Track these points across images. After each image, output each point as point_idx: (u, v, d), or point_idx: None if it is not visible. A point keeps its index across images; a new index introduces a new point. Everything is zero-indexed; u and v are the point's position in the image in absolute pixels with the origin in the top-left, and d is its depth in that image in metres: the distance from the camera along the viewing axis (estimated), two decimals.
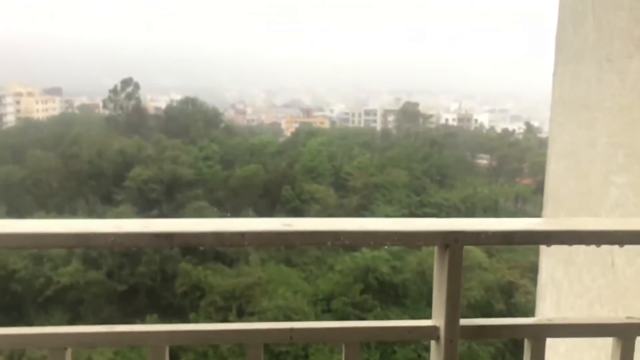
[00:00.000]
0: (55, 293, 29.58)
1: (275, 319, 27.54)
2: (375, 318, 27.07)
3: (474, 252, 32.34)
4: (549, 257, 2.23)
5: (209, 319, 28.18)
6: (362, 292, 29.44)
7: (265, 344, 1.19)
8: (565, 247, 2.24)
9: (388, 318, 28.72)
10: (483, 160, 55.60)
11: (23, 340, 1.20)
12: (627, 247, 2.00)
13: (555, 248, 2.28)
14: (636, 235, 1.25)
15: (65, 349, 1.13)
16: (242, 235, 1.12)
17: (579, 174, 2.10)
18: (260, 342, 1.16)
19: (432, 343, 1.19)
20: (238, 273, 31.33)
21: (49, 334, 1.14)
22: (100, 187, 41.45)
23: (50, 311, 29.17)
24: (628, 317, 1.28)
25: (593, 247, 2.13)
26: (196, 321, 27.58)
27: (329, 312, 28.75)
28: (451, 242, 1.13)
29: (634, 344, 1.20)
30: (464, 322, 1.18)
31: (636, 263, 1.89)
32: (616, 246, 2.04)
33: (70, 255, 31.79)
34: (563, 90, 2.17)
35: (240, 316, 28.28)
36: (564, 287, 2.14)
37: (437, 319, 1.18)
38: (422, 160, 47.04)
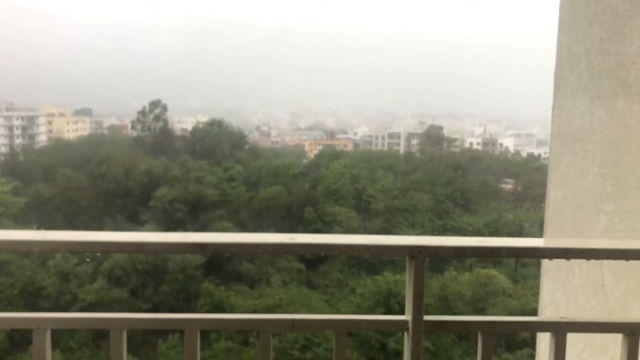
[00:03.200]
0: (80, 310, 30.07)
1: (296, 341, 27.48)
2: (397, 344, 26.84)
3: (498, 278, 31.89)
4: (549, 280, 2.36)
5: (230, 339, 28.26)
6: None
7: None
8: (564, 269, 2.37)
9: None
10: (508, 185, 54.95)
11: (90, 323, 1.52)
12: (615, 269, 2.13)
13: (554, 270, 2.42)
14: (554, 251, 1.53)
15: (123, 330, 1.44)
16: (257, 245, 1.44)
17: (574, 201, 2.25)
18: (270, 329, 1.44)
19: (405, 334, 1.45)
20: (259, 294, 31.44)
21: (111, 319, 1.46)
22: (127, 207, 42.26)
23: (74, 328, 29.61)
24: (562, 317, 1.51)
25: (587, 269, 2.26)
26: (217, 342, 27.73)
27: (349, 337, 28.49)
28: (416, 254, 1.39)
29: (565, 338, 1.43)
30: (427, 317, 1.43)
31: (622, 284, 2.03)
32: (606, 269, 2.17)
33: (96, 272, 32.42)
34: (561, 124, 2.33)
35: None
36: (562, 307, 2.27)
37: (407, 315, 1.44)
38: (445, 184, 46.80)
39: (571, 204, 2.26)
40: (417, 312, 1.41)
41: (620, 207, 2.04)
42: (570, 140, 2.26)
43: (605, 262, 2.10)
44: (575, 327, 1.51)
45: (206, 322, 1.46)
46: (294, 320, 1.45)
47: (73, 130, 76.08)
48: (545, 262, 2.42)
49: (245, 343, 28.88)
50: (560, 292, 2.27)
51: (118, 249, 1.51)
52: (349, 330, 1.47)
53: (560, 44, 2.33)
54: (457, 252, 1.44)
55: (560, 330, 1.44)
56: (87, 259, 32.03)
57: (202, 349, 1.44)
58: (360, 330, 1.45)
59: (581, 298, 2.17)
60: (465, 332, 1.56)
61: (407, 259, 1.40)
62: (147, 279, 32.24)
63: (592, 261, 2.20)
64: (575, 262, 2.25)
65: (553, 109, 2.37)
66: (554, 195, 2.35)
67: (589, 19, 2.15)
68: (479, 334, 1.45)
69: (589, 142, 2.15)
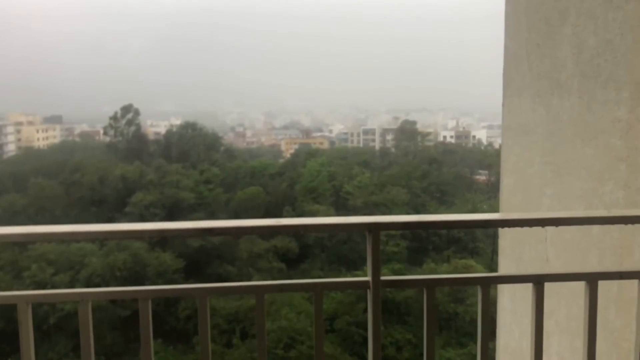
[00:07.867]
0: (58, 320, 29.68)
1: (279, 340, 27.63)
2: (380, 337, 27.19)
3: (475, 268, 32.48)
4: (505, 258, 2.63)
5: (213, 342, 28.22)
6: (365, 311, 29.51)
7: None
8: (517, 248, 2.64)
9: (392, 337, 28.86)
10: (482, 177, 55.85)
11: (122, 295, 1.85)
12: (556, 245, 2.40)
13: (509, 249, 2.68)
14: (477, 222, 1.88)
15: (149, 299, 1.74)
16: (252, 228, 1.79)
17: (522, 187, 2.52)
18: (264, 292, 1.78)
19: (368, 291, 1.77)
20: (241, 296, 31.47)
21: (138, 290, 1.75)
22: (103, 213, 41.78)
23: (54, 339, 29.24)
24: (488, 272, 1.89)
25: (535, 246, 2.53)
26: (198, 345, 27.75)
27: (332, 332, 28.82)
28: (373, 228, 1.70)
29: (489, 289, 1.77)
30: (384, 277, 1.76)
31: (562, 257, 2.30)
32: (549, 246, 2.44)
33: (74, 281, 32.04)
34: (510, 119, 2.60)
35: (244, 339, 28.34)
36: None
37: (368, 276, 1.77)
38: (421, 177, 47.43)
39: (521, 190, 2.53)
40: (376, 274, 1.72)
41: (559, 190, 2.32)
42: (517, 133, 2.53)
43: (549, 239, 2.37)
44: (496, 280, 1.90)
45: (213, 290, 1.83)
46: (282, 284, 1.84)
47: (43, 138, 74.57)
48: (502, 243, 2.69)
49: (229, 345, 28.93)
50: (514, 269, 2.53)
51: (142, 236, 1.76)
52: (324, 290, 1.77)
53: (506, 48, 2.59)
54: (404, 225, 1.76)
55: (484, 282, 1.76)
56: None
57: (185, 353, 1.71)
58: (333, 289, 1.78)
59: (530, 272, 2.44)
60: (412, 288, 1.90)
61: (367, 233, 1.71)
62: (126, 285, 32.00)
63: (539, 239, 2.48)
64: (525, 241, 2.51)
65: (503, 105, 2.64)
66: (506, 182, 2.62)
67: (528, 27, 2.41)
68: (424, 289, 1.77)
69: (533, 134, 2.42)
